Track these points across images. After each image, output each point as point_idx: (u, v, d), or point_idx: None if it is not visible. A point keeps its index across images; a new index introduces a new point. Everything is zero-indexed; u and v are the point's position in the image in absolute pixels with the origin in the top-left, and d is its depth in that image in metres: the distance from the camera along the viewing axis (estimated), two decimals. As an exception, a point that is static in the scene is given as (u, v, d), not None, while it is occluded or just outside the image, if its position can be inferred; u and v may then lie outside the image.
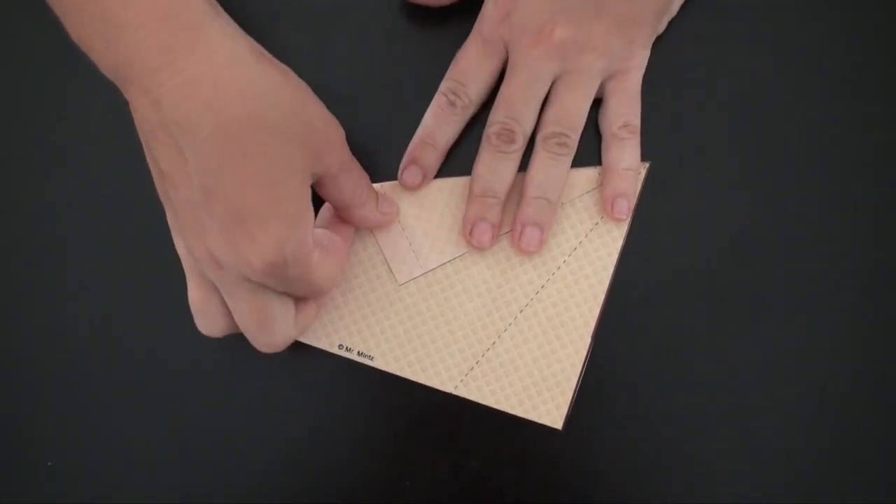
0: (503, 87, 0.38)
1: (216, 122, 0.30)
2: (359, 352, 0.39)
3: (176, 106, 0.30)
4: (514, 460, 0.39)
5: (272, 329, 0.34)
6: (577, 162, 0.39)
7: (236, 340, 0.39)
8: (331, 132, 0.34)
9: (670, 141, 0.40)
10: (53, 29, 0.40)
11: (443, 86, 0.39)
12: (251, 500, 0.39)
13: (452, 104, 0.38)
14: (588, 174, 0.40)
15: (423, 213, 0.40)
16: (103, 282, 0.40)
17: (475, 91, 0.39)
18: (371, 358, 0.39)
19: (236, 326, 0.35)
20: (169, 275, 0.38)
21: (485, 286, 0.40)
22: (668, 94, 0.40)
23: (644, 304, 0.39)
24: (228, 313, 0.35)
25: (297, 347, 0.39)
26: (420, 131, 0.39)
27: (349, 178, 0.35)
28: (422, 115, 0.39)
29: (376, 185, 0.39)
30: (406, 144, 0.40)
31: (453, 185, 0.40)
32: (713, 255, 0.39)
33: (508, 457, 0.39)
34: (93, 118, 0.41)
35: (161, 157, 0.31)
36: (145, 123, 0.31)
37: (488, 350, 0.39)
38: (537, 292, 0.39)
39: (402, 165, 0.39)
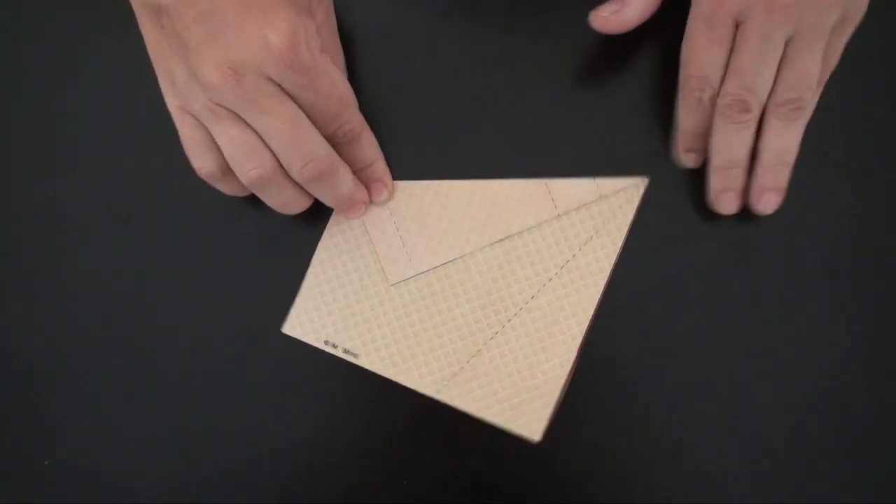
0: (734, 57, 0.36)
1: None
2: (345, 349, 0.39)
3: None
4: (513, 460, 0.39)
5: (311, 138, 0.35)
6: (580, 171, 0.39)
7: (235, 339, 0.40)
8: None
9: (670, 140, 0.39)
10: (53, 28, 0.42)
11: (686, 83, 0.37)
12: (248, 499, 0.40)
13: (700, 100, 0.37)
14: (586, 186, 0.39)
15: (420, 214, 0.40)
16: (102, 280, 0.41)
17: (718, 78, 0.36)
18: (356, 356, 0.39)
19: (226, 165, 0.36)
20: (168, 274, 0.40)
21: (475, 292, 0.39)
22: (669, 93, 0.39)
23: (644, 304, 0.39)
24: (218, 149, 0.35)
25: (296, 347, 0.40)
26: (682, 129, 0.38)
27: (331, 37, 0.37)
28: (423, 110, 0.40)
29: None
30: (406, 145, 0.40)
31: (450, 188, 0.40)
32: (713, 255, 0.39)
33: (507, 456, 0.39)
34: (92, 118, 0.42)
35: None
36: None
37: (473, 357, 0.39)
38: (527, 302, 0.39)
39: (680, 152, 0.39)
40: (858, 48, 0.37)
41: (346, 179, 0.37)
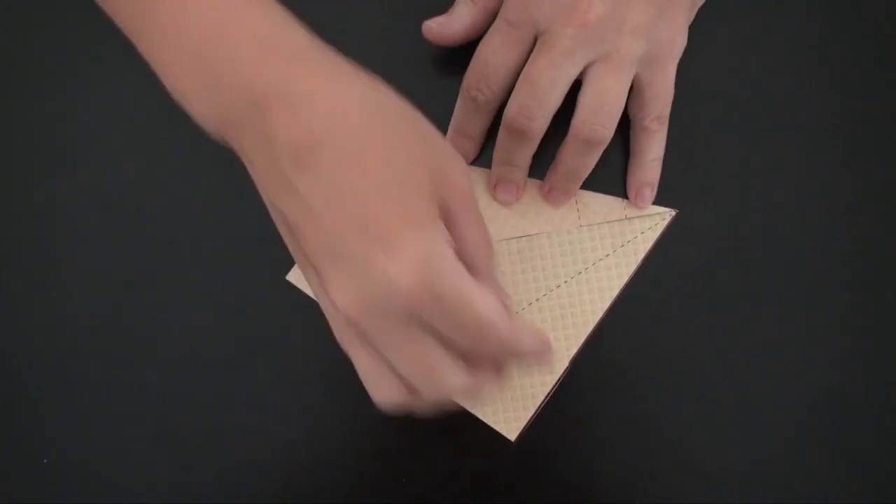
0: (528, 66, 0.35)
1: (335, 134, 0.27)
2: None
3: (289, 128, 0.27)
4: (513, 459, 0.39)
5: (445, 374, 0.29)
6: (611, 190, 0.40)
7: (235, 340, 0.40)
8: (451, 153, 0.31)
9: (670, 141, 0.39)
10: (53, 28, 0.41)
11: (465, 80, 0.38)
12: (248, 499, 0.39)
13: (475, 100, 0.37)
14: (614, 204, 0.40)
15: None
16: (102, 280, 0.40)
17: (498, 83, 0.37)
18: None
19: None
20: (168, 273, 0.39)
21: None
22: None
23: (644, 304, 0.39)
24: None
25: (296, 346, 0.40)
26: (452, 122, 0.39)
27: (470, 220, 0.30)
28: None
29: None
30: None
31: (480, 176, 0.40)
32: (713, 255, 0.39)
33: (506, 456, 0.39)
34: (92, 117, 0.41)
35: (285, 207, 0.28)
36: (263, 173, 0.28)
37: None
38: (530, 303, 0.39)
39: None
40: (860, 48, 0.38)
41: (485, 390, 0.31)
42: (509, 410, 0.39)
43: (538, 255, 0.39)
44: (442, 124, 0.40)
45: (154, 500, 0.40)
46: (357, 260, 0.27)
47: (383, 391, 0.30)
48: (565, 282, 0.39)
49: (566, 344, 0.39)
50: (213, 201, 0.40)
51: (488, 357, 0.30)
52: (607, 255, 0.39)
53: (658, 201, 0.40)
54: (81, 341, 0.40)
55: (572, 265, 0.39)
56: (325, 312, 0.31)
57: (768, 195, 0.40)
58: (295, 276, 0.40)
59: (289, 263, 0.40)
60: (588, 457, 0.39)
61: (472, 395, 0.32)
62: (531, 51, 0.36)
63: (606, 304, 0.39)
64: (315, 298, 0.31)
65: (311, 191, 0.27)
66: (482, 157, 0.40)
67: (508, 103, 0.36)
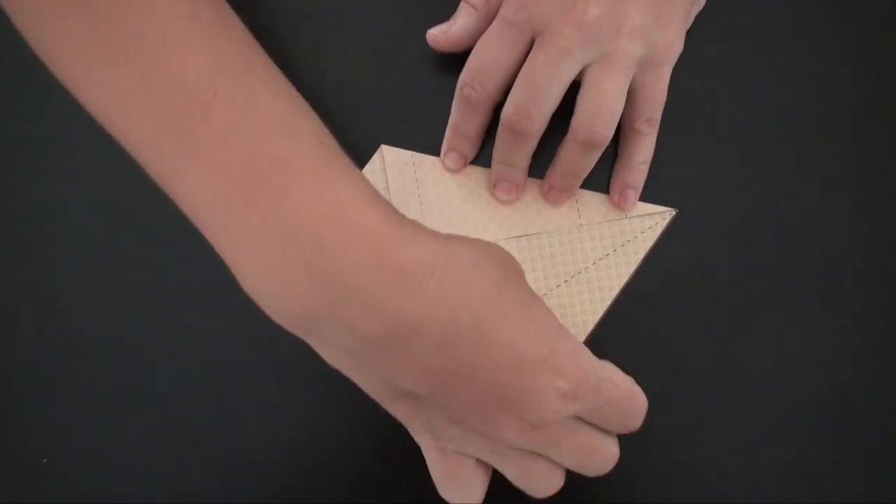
0: (526, 66, 0.35)
1: (463, 301, 0.28)
2: None
3: (425, 300, 0.27)
4: None
5: (602, 451, 0.33)
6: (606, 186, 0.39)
7: (235, 339, 0.40)
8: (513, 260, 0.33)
9: (670, 141, 0.39)
10: None
11: (460, 78, 0.38)
12: (247, 498, 0.39)
13: (468, 98, 0.37)
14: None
15: (445, 192, 0.40)
16: (102, 279, 0.40)
17: (494, 83, 0.37)
18: None
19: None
20: (167, 272, 0.39)
21: None
22: (669, 94, 0.39)
23: (644, 304, 0.39)
24: (482, 472, 0.34)
25: (295, 346, 0.39)
26: (449, 121, 0.39)
27: None
28: (427, 110, 0.40)
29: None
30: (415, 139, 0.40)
31: (480, 174, 0.40)
32: (713, 255, 0.39)
33: None
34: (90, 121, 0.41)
35: (428, 383, 0.29)
36: (396, 356, 0.28)
37: None
38: None
39: (442, 150, 0.40)
40: (860, 48, 0.38)
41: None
42: None
43: (538, 254, 0.39)
44: (442, 124, 0.40)
45: (154, 499, 0.39)
46: (526, 394, 0.29)
47: (549, 484, 0.33)
48: (565, 281, 0.39)
49: None
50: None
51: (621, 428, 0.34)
52: (607, 255, 0.39)
53: (658, 201, 0.40)
54: (81, 341, 0.40)
55: (572, 265, 0.39)
56: (464, 448, 0.33)
57: (768, 195, 0.40)
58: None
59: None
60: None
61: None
62: (528, 51, 0.36)
63: (607, 304, 0.39)
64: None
65: (463, 364, 0.28)
66: (482, 156, 0.40)
67: (506, 103, 0.36)
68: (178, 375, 0.40)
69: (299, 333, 0.29)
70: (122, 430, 0.40)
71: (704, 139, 0.40)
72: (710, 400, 0.39)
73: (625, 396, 0.32)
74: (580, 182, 0.39)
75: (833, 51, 0.40)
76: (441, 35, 0.38)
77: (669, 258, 0.39)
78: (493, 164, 0.39)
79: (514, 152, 0.37)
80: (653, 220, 0.39)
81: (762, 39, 0.40)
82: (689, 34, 0.38)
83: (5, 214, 0.41)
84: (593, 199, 0.40)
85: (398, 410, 0.32)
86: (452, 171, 0.40)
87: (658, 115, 0.38)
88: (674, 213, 0.39)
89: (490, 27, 0.37)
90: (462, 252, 0.29)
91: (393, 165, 0.40)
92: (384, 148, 0.40)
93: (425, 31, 0.39)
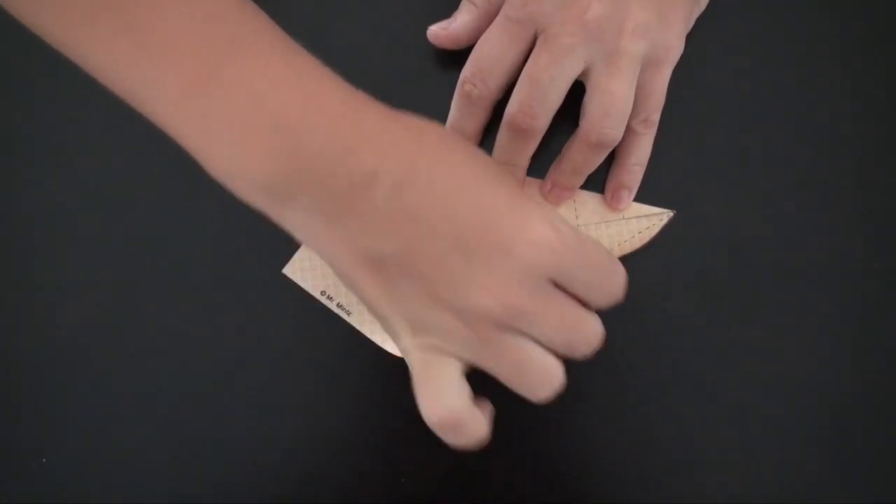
0: (529, 64, 0.35)
1: (430, 153, 0.29)
2: (338, 304, 0.39)
3: (385, 160, 0.28)
4: (512, 459, 0.39)
5: (588, 320, 0.31)
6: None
7: (232, 339, 0.40)
8: None
9: (670, 141, 0.40)
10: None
11: (462, 74, 0.37)
12: (247, 498, 0.39)
13: (469, 95, 0.37)
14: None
15: None
16: (102, 277, 0.41)
17: (495, 80, 0.36)
18: (349, 313, 0.39)
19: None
20: (165, 271, 0.40)
21: None
22: (669, 94, 0.39)
23: (644, 303, 0.39)
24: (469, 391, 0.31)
25: (295, 345, 0.40)
26: (448, 119, 0.39)
27: None
28: (427, 108, 0.39)
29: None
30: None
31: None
32: (713, 255, 0.39)
33: (506, 455, 0.39)
34: (92, 114, 0.42)
35: (388, 243, 0.29)
36: (351, 222, 0.29)
37: None
38: None
39: None
40: (860, 48, 0.38)
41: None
42: None
43: None
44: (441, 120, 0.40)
45: (154, 499, 0.39)
46: (492, 247, 0.28)
47: (545, 376, 0.31)
48: None
49: None
50: (208, 199, 0.40)
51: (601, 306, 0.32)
52: None
53: (658, 201, 0.40)
54: (81, 341, 0.40)
55: None
56: (402, 352, 0.32)
57: (768, 195, 0.40)
58: (291, 270, 0.40)
59: (285, 258, 0.40)
60: (588, 457, 0.39)
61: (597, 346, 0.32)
62: (530, 49, 0.36)
63: None
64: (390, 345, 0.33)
65: (421, 208, 0.28)
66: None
67: (510, 102, 0.36)
68: (177, 375, 0.40)
69: (270, 206, 0.29)
70: (122, 429, 0.40)
71: (704, 140, 0.40)
72: (710, 399, 0.39)
73: (602, 261, 0.31)
74: (583, 180, 0.39)
75: (833, 52, 0.40)
76: (441, 31, 0.39)
77: (669, 259, 0.39)
78: None
79: (516, 151, 0.37)
80: (650, 221, 0.39)
81: (761, 41, 0.41)
82: (689, 36, 0.38)
83: (5, 214, 0.41)
84: (591, 199, 0.40)
85: (372, 290, 0.30)
86: None
87: (656, 117, 0.38)
88: (671, 214, 0.39)
89: (492, 24, 0.37)
90: (427, 122, 0.30)
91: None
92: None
93: (425, 27, 0.39)
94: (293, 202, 0.28)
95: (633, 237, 0.39)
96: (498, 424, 0.39)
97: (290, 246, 0.40)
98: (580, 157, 0.37)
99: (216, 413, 0.40)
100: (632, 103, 0.36)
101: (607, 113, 0.35)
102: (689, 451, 0.39)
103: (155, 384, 0.40)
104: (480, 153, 0.31)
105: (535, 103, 0.35)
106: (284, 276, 0.40)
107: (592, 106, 0.36)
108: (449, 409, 0.31)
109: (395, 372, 0.39)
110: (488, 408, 0.32)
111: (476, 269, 0.28)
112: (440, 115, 0.40)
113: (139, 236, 0.41)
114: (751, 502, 0.38)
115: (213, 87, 0.27)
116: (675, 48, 0.37)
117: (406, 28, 0.41)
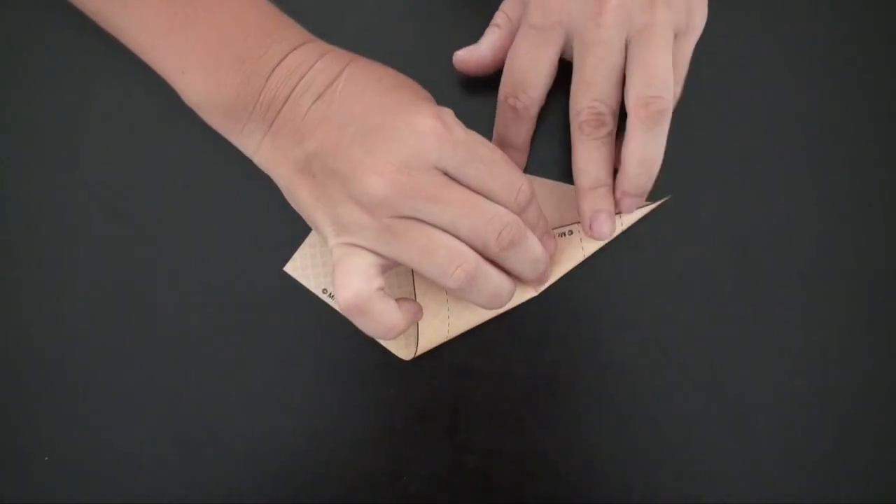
0: (578, 70, 0.36)
1: (351, 66, 0.34)
2: None
3: (307, 72, 0.33)
4: (512, 457, 0.39)
5: (493, 206, 0.33)
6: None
7: (233, 339, 0.40)
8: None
9: (671, 140, 0.39)
10: (52, 27, 0.41)
11: (501, 91, 0.38)
12: (247, 498, 0.39)
13: (514, 108, 0.37)
14: None
15: None
16: (102, 277, 0.41)
17: (536, 89, 0.37)
18: None
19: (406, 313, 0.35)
20: (165, 270, 0.39)
21: None
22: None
23: (644, 303, 0.39)
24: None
25: (295, 346, 0.40)
26: (494, 135, 0.39)
27: None
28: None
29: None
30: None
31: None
32: (713, 255, 0.39)
33: (506, 454, 0.39)
34: (92, 113, 0.42)
35: (308, 141, 0.33)
36: (282, 124, 0.34)
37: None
38: None
39: None
40: (860, 48, 0.38)
41: (535, 241, 0.35)
42: (411, 336, 0.39)
43: None
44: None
45: (154, 498, 0.39)
46: (384, 129, 0.32)
47: (454, 258, 0.33)
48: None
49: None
50: (209, 198, 0.40)
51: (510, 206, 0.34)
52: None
53: (657, 199, 0.40)
54: (82, 340, 0.40)
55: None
56: (333, 249, 0.34)
57: (769, 194, 0.40)
58: (292, 268, 0.39)
59: (285, 256, 0.40)
60: (588, 457, 0.39)
61: (520, 242, 0.34)
62: (560, 51, 0.37)
63: (564, 272, 0.39)
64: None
65: (335, 110, 0.33)
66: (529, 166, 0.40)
67: (575, 108, 0.36)
68: (178, 375, 0.40)
69: (231, 129, 0.35)
70: (123, 428, 0.40)
71: (705, 138, 0.40)
72: (709, 399, 0.39)
73: (492, 157, 0.33)
74: (653, 178, 0.37)
75: (834, 49, 0.40)
76: (468, 55, 0.39)
77: (669, 258, 0.39)
78: (582, 197, 0.38)
79: (596, 151, 0.37)
80: (647, 208, 0.39)
81: (762, 39, 0.41)
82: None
83: (5, 214, 0.41)
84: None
85: (304, 194, 0.34)
86: None
87: (678, 89, 0.38)
88: (665, 199, 0.39)
89: (518, 37, 0.37)
90: (365, 60, 0.35)
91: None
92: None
93: (425, 23, 0.39)
94: (249, 123, 0.34)
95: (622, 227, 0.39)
96: (498, 424, 0.39)
97: (290, 244, 0.40)
98: (639, 143, 0.36)
99: (217, 413, 0.40)
100: (672, 71, 0.36)
101: (650, 84, 0.35)
102: (690, 451, 0.39)
103: (155, 384, 0.40)
104: (402, 77, 0.35)
105: (602, 101, 0.36)
106: (285, 274, 0.39)
107: (633, 81, 0.35)
108: (355, 294, 0.33)
109: (396, 371, 0.39)
110: (412, 308, 0.35)
111: (371, 157, 0.32)
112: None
113: (140, 236, 0.40)
114: (752, 502, 0.38)
115: (191, 30, 0.34)
116: (699, 13, 0.37)
117: (406, 25, 0.41)
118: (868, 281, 0.39)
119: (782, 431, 0.38)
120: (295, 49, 0.34)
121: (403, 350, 0.39)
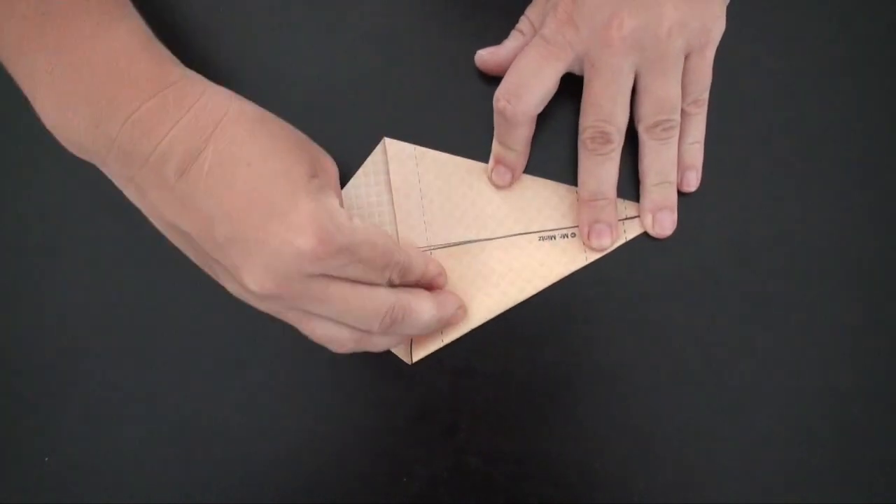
0: (586, 91, 0.37)
1: (216, 138, 0.31)
2: None
3: (172, 141, 0.30)
4: (512, 458, 0.39)
5: (373, 297, 0.33)
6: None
7: (232, 339, 0.40)
8: (320, 148, 0.35)
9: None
10: None
11: (496, 92, 0.38)
12: (248, 497, 0.39)
13: (503, 112, 0.37)
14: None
15: (447, 187, 0.40)
16: (102, 277, 0.41)
17: (531, 96, 0.37)
18: None
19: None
20: (168, 271, 0.39)
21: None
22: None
23: (643, 304, 0.39)
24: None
25: (295, 346, 0.40)
26: (494, 135, 0.39)
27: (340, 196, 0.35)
28: (430, 105, 0.40)
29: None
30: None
31: (482, 170, 0.40)
32: (713, 255, 0.39)
33: (506, 454, 0.39)
34: None
35: (179, 219, 0.31)
36: (151, 193, 0.31)
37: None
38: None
39: (489, 164, 0.40)
40: (860, 48, 0.38)
41: (425, 306, 0.35)
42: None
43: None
44: (445, 119, 0.40)
45: (154, 499, 0.39)
46: (258, 240, 0.30)
47: (331, 342, 0.33)
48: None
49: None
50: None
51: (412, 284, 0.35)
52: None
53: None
54: (82, 341, 0.40)
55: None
56: (244, 300, 0.33)
57: (769, 195, 0.39)
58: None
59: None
60: (587, 457, 0.39)
61: (404, 319, 0.34)
62: (568, 68, 0.37)
63: (550, 282, 0.39)
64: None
65: (204, 196, 0.30)
66: (532, 167, 0.40)
67: (580, 128, 0.37)
68: (178, 375, 0.40)
69: (93, 162, 0.32)
70: (123, 429, 0.40)
71: (705, 139, 0.40)
72: (709, 400, 0.39)
73: (381, 253, 0.32)
74: (674, 186, 0.39)
75: (836, 52, 0.40)
76: (489, 56, 0.39)
77: (669, 258, 0.39)
78: (582, 208, 0.39)
79: (599, 166, 0.38)
80: None
81: (767, 38, 0.40)
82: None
83: (6, 214, 0.41)
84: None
85: (192, 257, 0.33)
86: (500, 186, 0.39)
87: (705, 96, 0.38)
88: None
89: (529, 44, 0.37)
90: (238, 106, 0.32)
91: (395, 158, 0.40)
92: (386, 140, 0.40)
93: (426, 22, 0.39)
94: (106, 167, 0.32)
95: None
96: (498, 425, 0.39)
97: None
98: (654, 154, 0.38)
99: (216, 413, 0.40)
100: (679, 94, 0.37)
101: (660, 111, 0.37)
102: (690, 451, 0.39)
103: (155, 384, 0.40)
104: (283, 133, 0.32)
105: (608, 122, 0.37)
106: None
107: (646, 108, 0.37)
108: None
109: (396, 372, 0.39)
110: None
111: (248, 265, 0.30)
112: (443, 111, 0.40)
113: (139, 236, 0.40)
114: (752, 502, 0.38)
115: (40, 51, 0.30)
116: (715, 28, 0.37)
117: (407, 24, 0.41)
118: (868, 281, 0.39)
119: (782, 431, 0.38)
120: (152, 92, 0.31)
121: (403, 350, 0.39)
